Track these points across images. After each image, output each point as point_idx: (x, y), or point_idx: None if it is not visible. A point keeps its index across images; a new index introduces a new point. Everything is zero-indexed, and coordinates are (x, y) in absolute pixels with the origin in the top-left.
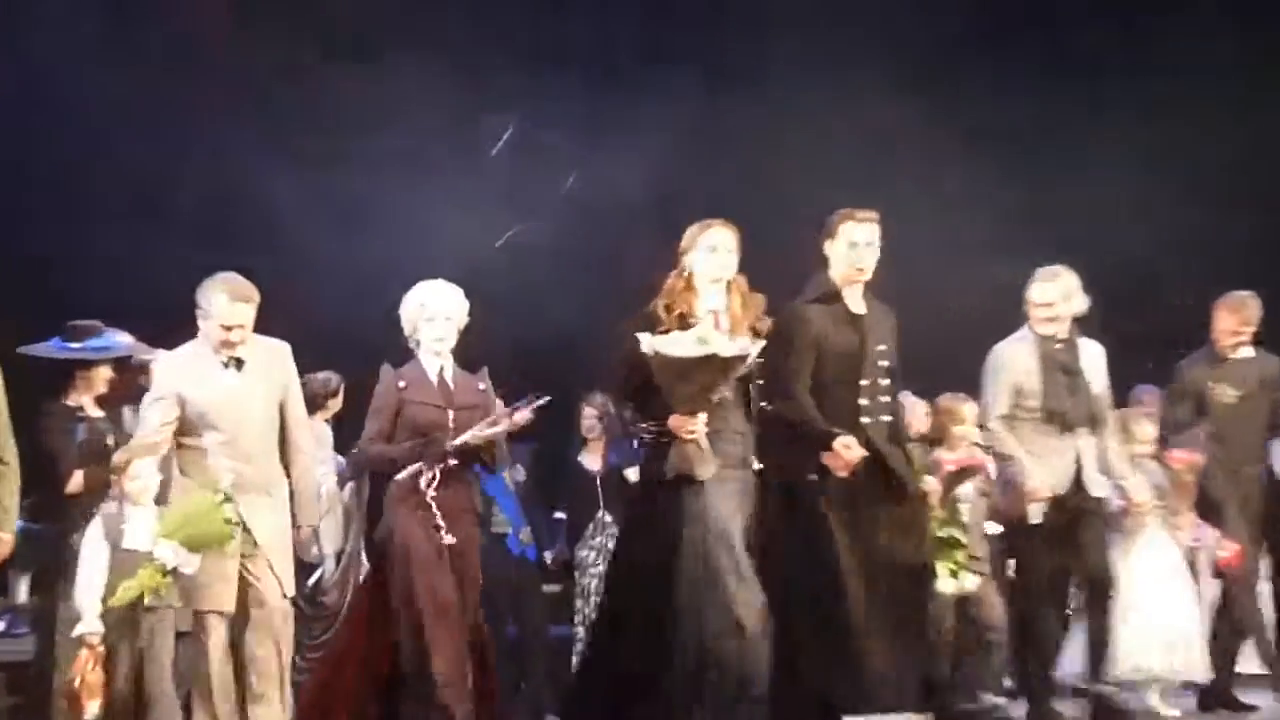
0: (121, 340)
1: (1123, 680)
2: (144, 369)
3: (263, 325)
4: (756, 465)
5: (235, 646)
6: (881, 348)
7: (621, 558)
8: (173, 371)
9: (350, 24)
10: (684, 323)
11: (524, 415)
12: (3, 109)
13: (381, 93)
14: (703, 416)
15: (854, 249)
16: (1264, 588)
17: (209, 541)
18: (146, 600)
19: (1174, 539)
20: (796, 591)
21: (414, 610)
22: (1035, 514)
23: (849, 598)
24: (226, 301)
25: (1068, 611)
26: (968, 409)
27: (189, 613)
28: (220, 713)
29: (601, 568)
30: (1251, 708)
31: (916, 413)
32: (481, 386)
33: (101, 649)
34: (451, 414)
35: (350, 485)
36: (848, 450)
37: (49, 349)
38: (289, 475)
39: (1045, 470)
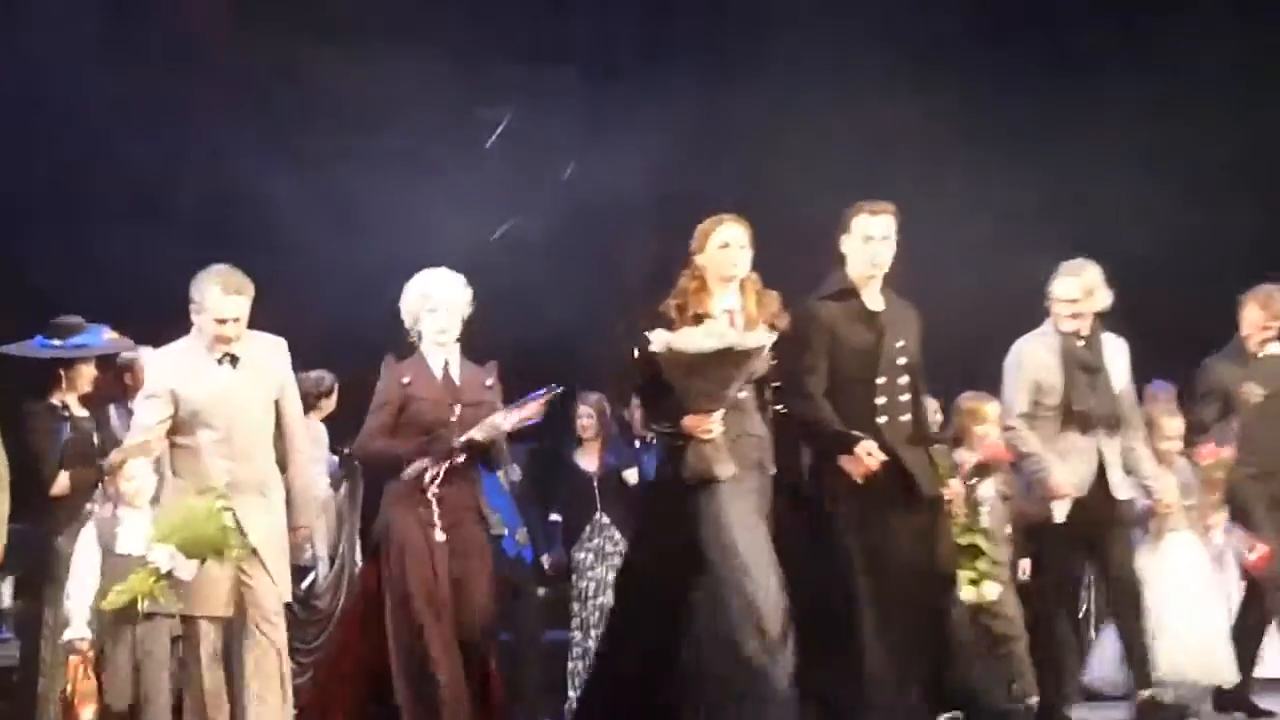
0: (105, 336)
1: (1164, 681)
2: (130, 366)
3: (262, 325)
4: (772, 470)
5: (232, 651)
6: (900, 344)
7: (635, 563)
8: (165, 368)
9: (350, 23)
10: (697, 324)
11: (536, 409)
12: (3, 109)
13: (382, 92)
14: (719, 414)
15: (868, 243)
16: None
17: (205, 546)
18: (143, 606)
19: (1202, 540)
20: (799, 592)
21: (409, 611)
22: (1060, 513)
23: (854, 600)
24: (220, 294)
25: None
26: (990, 408)
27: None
28: (213, 718)
29: (599, 570)
30: (1268, 713)
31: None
32: (489, 382)
33: (92, 654)
34: (457, 411)
35: (344, 486)
36: (869, 457)
37: (30, 348)
38: (285, 475)
39: (1066, 470)
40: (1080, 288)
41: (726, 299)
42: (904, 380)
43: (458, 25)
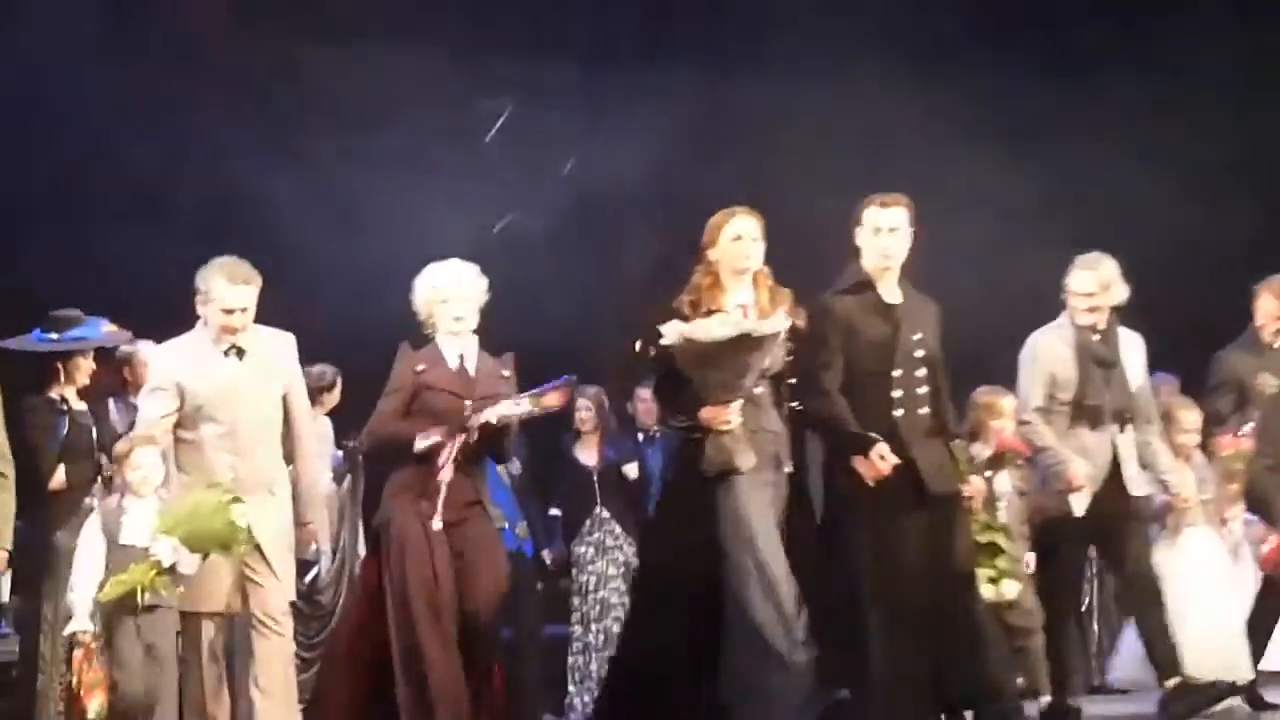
0: (103, 329)
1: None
2: (129, 360)
3: (263, 324)
4: (788, 467)
5: (235, 647)
6: (917, 337)
7: (651, 562)
8: (171, 361)
9: (350, 23)
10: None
11: (558, 399)
12: (3, 109)
13: (381, 91)
14: (737, 405)
15: (879, 235)
16: None
17: (211, 541)
18: (145, 598)
19: (1220, 534)
20: (809, 587)
21: (408, 612)
22: (1078, 506)
23: (862, 598)
24: (226, 284)
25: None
26: (1006, 402)
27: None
28: (212, 714)
29: (599, 565)
30: (1274, 706)
31: None
32: (505, 373)
33: (95, 646)
34: (470, 404)
35: (346, 480)
36: (882, 460)
37: (28, 342)
38: (291, 470)
39: (1081, 464)
40: (1097, 281)
41: (740, 293)
42: (921, 373)
43: (457, 22)
